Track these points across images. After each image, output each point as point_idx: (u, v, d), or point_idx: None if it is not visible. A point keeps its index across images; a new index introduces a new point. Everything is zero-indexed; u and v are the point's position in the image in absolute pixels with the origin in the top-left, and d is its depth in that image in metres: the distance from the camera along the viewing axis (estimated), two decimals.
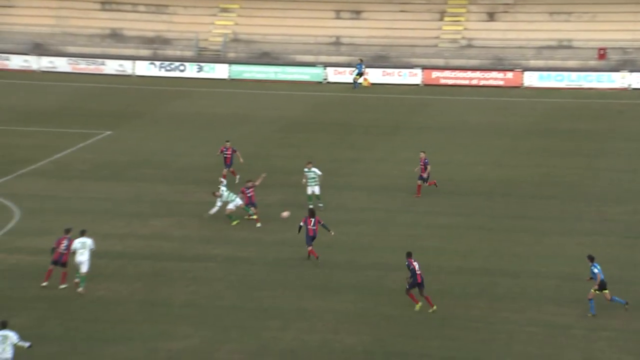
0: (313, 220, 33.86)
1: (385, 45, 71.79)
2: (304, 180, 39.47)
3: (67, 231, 31.52)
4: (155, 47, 73.84)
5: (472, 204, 40.32)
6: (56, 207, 39.50)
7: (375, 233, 36.89)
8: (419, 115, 58.42)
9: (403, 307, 30.11)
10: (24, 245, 34.28)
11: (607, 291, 29.48)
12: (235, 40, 74.09)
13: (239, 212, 37.64)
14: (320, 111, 60.06)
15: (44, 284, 31.13)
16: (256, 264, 33.62)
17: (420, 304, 29.64)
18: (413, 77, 68.05)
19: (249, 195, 37.78)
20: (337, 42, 72.77)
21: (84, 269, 31.07)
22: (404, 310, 29.86)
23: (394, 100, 60.42)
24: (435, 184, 41.14)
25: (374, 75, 68.13)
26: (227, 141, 43.34)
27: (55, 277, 31.19)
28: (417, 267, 29.51)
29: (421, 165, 40.99)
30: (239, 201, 37.61)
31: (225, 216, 37.60)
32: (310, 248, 33.71)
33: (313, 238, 33.77)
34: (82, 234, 31.63)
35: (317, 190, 39.36)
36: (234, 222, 37.52)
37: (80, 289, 31.08)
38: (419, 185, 40.89)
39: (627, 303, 29.69)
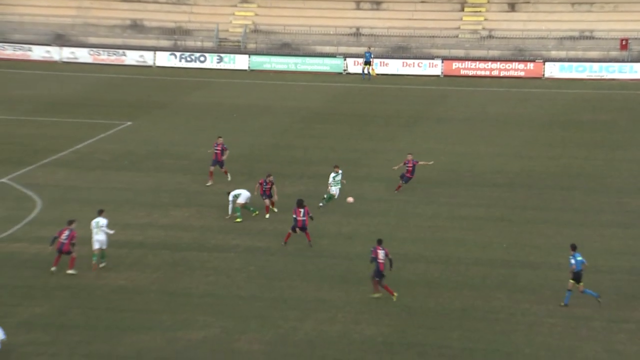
0: (302, 211, 33.91)
1: (405, 36, 71.59)
2: (330, 181, 38.82)
3: (70, 222, 32.03)
4: (176, 37, 73.99)
5: (492, 195, 40.20)
6: (77, 197, 39.70)
7: (395, 224, 36.86)
8: (439, 106, 58.28)
9: (423, 298, 30.10)
10: (46, 235, 34.43)
11: (581, 284, 29.14)
12: (255, 31, 74.11)
13: (252, 204, 37.55)
14: (340, 102, 60.02)
15: (53, 268, 31.65)
16: (275, 255, 33.68)
17: (380, 294, 29.54)
18: (433, 68, 67.87)
19: (264, 188, 37.60)
20: (357, 33, 72.64)
21: (95, 245, 31.87)
22: (424, 302, 29.83)
23: (414, 91, 60.27)
24: (400, 187, 40.04)
25: (394, 66, 68.02)
26: (220, 137, 41.71)
27: (64, 263, 31.60)
28: (380, 255, 29.36)
29: (408, 166, 40.15)
30: (247, 194, 37.36)
31: (245, 209, 37.58)
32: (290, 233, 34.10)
33: (301, 229, 33.99)
34: (100, 213, 32.43)
35: (337, 192, 38.88)
36: (255, 213, 37.56)
37: (102, 264, 32.01)
38: (399, 186, 40.28)
39: (599, 296, 29.35)
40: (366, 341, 27.30)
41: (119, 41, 73.61)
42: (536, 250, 34.25)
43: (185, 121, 54.50)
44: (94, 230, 32.04)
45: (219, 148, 41.31)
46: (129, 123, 53.69)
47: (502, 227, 36.48)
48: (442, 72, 67.61)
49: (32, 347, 26.54)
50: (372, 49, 67.97)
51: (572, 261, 29.21)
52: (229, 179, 41.52)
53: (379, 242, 30.13)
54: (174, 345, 26.90)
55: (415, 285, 31.03)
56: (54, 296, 30.05)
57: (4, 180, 42.39)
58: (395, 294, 29.71)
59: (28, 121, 53.87)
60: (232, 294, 30.40)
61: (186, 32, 74.28)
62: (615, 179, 42.88)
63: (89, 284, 31.02)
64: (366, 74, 66.41)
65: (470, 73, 67.25)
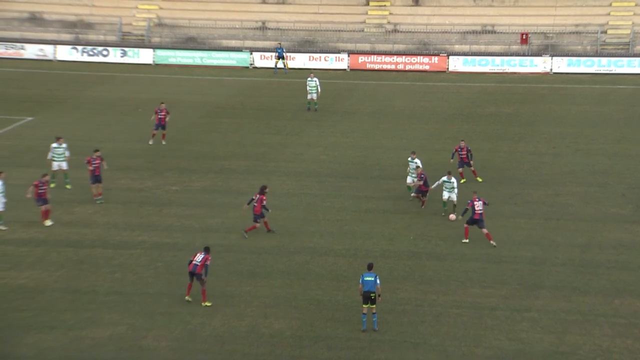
0: (258, 197, 34.16)
1: (311, 30, 71.69)
2: (408, 169, 38.86)
3: None
4: (77, 31, 72.52)
5: (399, 188, 40.55)
6: None
7: (304, 218, 36.87)
8: (346, 100, 58.52)
9: (332, 291, 30.17)
10: None
11: (373, 306, 27.37)
12: (160, 24, 73.17)
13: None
14: (246, 96, 59.73)
15: None
16: (183, 250, 33.31)
17: (189, 298, 29.24)
18: (340, 62, 68.13)
19: (40, 190, 35.22)
20: (263, 27, 72.41)
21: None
22: (333, 295, 29.91)
23: (321, 85, 60.17)
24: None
25: (301, 60, 68.03)
26: (96, 150, 38.90)
27: None
28: (197, 259, 28.98)
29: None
30: None
31: (152, 205, 37.06)
32: (254, 225, 34.22)
33: (257, 216, 34.25)
34: None
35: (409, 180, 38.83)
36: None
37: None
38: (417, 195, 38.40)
39: (375, 330, 27.45)
40: (275, 335, 27.24)
41: (16, 34, 71.78)
42: (442, 242, 34.67)
43: (88, 116, 53.47)
44: None
45: (97, 162, 38.69)
46: (29, 119, 52.39)
47: (409, 220, 36.83)
48: (348, 66, 67.93)
49: None
50: (281, 44, 67.96)
51: (361, 280, 27.47)
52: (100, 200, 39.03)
53: (206, 249, 29.31)
54: (79, 344, 26.38)
55: (324, 278, 31.09)
56: None
57: None
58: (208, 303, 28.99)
59: None
60: (139, 291, 29.96)
61: (88, 26, 72.87)
62: (517, 170, 43.73)
63: None
64: (279, 68, 66.32)
65: (376, 67, 67.72)
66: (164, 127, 46.54)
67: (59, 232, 34.93)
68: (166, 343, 26.64)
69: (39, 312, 28.28)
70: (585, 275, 31.76)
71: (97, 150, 38.89)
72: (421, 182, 37.91)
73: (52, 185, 38.06)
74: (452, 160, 41.73)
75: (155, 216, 36.78)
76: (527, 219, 37.16)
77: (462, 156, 41.40)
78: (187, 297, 29.23)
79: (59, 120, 52.19)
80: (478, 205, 34.02)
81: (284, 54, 66.51)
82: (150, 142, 46.48)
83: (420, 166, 38.76)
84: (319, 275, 31.39)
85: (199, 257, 29.09)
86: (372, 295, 27.34)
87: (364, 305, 27.54)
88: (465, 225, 34.37)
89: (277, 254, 33.14)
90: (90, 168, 38.06)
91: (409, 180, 39.15)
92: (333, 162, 43.21)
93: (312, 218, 36.88)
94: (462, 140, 42.07)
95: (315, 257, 32.89)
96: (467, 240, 34.17)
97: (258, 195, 34.49)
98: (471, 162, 41.57)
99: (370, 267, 27.98)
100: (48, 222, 35.35)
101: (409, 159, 39.39)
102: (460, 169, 41.27)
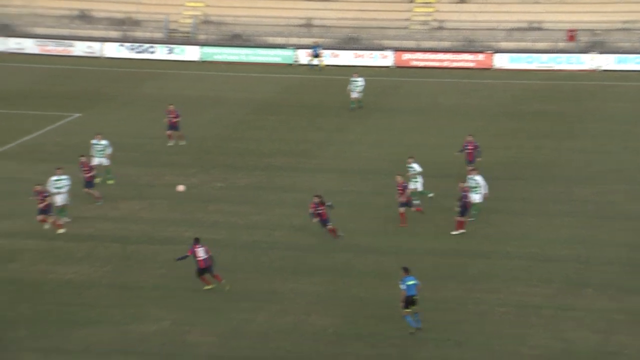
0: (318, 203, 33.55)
1: (356, 27, 71.66)
2: (408, 175, 37.43)
3: None
4: (125, 28, 73.24)
5: (442, 186, 40.40)
6: (27, 189, 39.09)
7: (347, 215, 36.89)
8: (390, 97, 58.44)
9: (375, 289, 30.19)
10: None
11: (412, 308, 27.03)
12: (206, 22, 73.63)
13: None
14: (291, 93, 59.91)
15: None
16: (227, 247, 33.55)
17: (212, 285, 29.70)
18: (384, 59, 68.04)
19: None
20: (308, 24, 72.53)
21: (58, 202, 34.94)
22: (375, 293, 29.93)
23: (364, 83, 60.15)
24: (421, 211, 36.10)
25: (345, 57, 68.06)
26: (82, 156, 38.52)
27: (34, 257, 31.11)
28: (200, 253, 29.31)
29: (399, 189, 35.81)
30: None
31: (198, 201, 37.37)
32: (332, 228, 33.80)
33: (325, 221, 33.60)
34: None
35: (419, 186, 37.40)
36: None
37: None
38: (402, 213, 35.59)
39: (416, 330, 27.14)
40: (318, 332, 27.35)
41: (66, 32, 72.68)
42: (486, 240, 34.52)
43: (135, 113, 54.02)
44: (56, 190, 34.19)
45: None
46: (78, 115, 53.08)
47: (452, 217, 36.70)
48: (393, 63, 67.81)
49: None
50: (320, 41, 68.10)
51: (402, 286, 26.99)
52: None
53: (196, 240, 29.74)
54: (125, 339, 26.72)
55: (367, 276, 31.14)
56: (1, 290, 29.63)
57: None
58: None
59: None
60: (184, 286, 30.24)
61: (135, 23, 73.56)
62: (563, 168, 43.37)
63: (36, 279, 30.66)
64: (315, 65, 66.54)
65: (421, 64, 67.51)
66: (176, 129, 45.92)
67: (106, 227, 35.37)
68: (211, 339, 26.87)
69: (86, 307, 28.69)
70: (633, 274, 31.44)
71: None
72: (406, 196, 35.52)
73: (96, 181, 38.55)
74: (458, 153, 41.02)
75: (201, 212, 37.08)
76: (572, 217, 36.85)
77: (469, 151, 40.59)
78: (208, 287, 29.48)
79: (106, 117, 52.81)
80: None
81: (320, 51, 66.69)
82: (170, 144, 45.85)
83: (420, 170, 37.40)
84: (362, 273, 31.44)
85: (201, 251, 29.25)
86: (415, 298, 27.14)
87: (406, 310, 27.18)
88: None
89: (320, 252, 33.24)
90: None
91: (411, 186, 36.88)
92: (377, 159, 43.19)
93: (356, 215, 36.90)
94: (470, 135, 41.14)
95: (358, 254, 32.94)
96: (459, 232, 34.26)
97: (315, 206, 33.84)
98: (477, 159, 40.39)
99: (408, 271, 27.51)
100: (61, 230, 34.57)
101: (407, 165, 37.68)
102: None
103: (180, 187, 35.94)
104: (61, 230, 34.06)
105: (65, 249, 32.87)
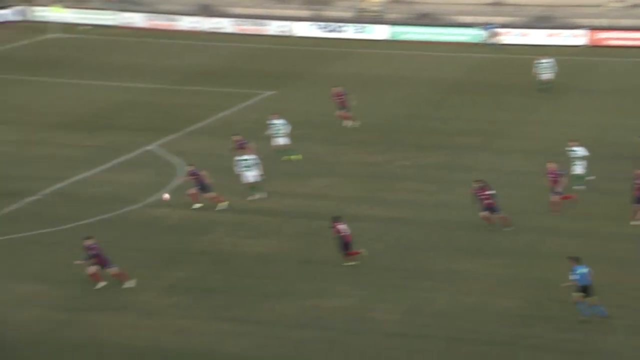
0: (486, 191, 32.99)
1: (548, 5, 69.98)
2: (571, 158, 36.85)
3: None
4: (316, 8, 74.53)
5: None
6: (220, 165, 40.73)
7: (533, 196, 36.34)
8: (582, 78, 56.83)
9: (560, 272, 29.61)
10: (188, 201, 35.70)
11: (588, 299, 26.22)
12: (395, 1, 73.84)
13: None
14: (478, 72, 59.34)
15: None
16: (409, 225, 33.82)
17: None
18: (577, 38, 66.11)
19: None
20: (499, 3, 71.42)
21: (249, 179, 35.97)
22: (561, 276, 29.38)
23: (557, 62, 58.76)
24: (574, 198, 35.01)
25: (536, 36, 66.66)
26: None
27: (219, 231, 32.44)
28: (343, 229, 29.77)
29: (551, 177, 34.75)
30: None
31: (383, 179, 37.72)
32: (504, 217, 32.95)
33: (494, 209, 32.87)
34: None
35: (578, 169, 36.65)
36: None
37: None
38: (556, 201, 34.54)
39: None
40: (501, 313, 27.23)
41: (261, 11, 74.74)
42: None
43: (325, 91, 54.93)
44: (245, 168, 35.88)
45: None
46: (271, 92, 54.63)
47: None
48: (586, 42, 65.80)
49: (176, 310, 27.66)
50: (494, 22, 67.46)
51: (573, 277, 26.35)
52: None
53: (335, 218, 30.28)
54: (310, 313, 27.47)
55: (552, 258, 30.62)
56: (195, 261, 31.14)
57: (151, 147, 44.00)
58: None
59: (175, 90, 55.55)
60: (369, 263, 30.73)
61: (325, 2, 74.71)
62: None
63: (228, 251, 31.99)
64: (493, 44, 65.79)
65: (617, 43, 65.16)
66: (345, 109, 46.05)
67: (294, 203, 36.38)
68: (394, 316, 27.23)
69: (273, 280, 29.69)
70: None
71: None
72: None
73: (288, 158, 39.65)
74: None
75: (386, 191, 37.51)
76: None
77: None
78: (351, 263, 30.01)
79: (298, 95, 54.10)
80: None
81: (494, 30, 66.04)
82: (351, 124, 45.96)
83: (586, 154, 35.70)
84: (546, 255, 30.96)
85: (344, 228, 29.86)
86: (589, 287, 26.26)
87: (579, 295, 26.21)
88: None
89: (503, 232, 32.97)
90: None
91: (578, 170, 36.01)
92: (565, 141, 42.15)
93: (543, 197, 36.26)
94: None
95: (543, 236, 32.45)
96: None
97: (477, 191, 33.50)
98: None
99: (578, 260, 26.62)
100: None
101: (567, 148, 36.24)
102: None
103: (166, 196, 35.85)
104: (222, 205, 35.15)
105: (254, 223, 34.09)
